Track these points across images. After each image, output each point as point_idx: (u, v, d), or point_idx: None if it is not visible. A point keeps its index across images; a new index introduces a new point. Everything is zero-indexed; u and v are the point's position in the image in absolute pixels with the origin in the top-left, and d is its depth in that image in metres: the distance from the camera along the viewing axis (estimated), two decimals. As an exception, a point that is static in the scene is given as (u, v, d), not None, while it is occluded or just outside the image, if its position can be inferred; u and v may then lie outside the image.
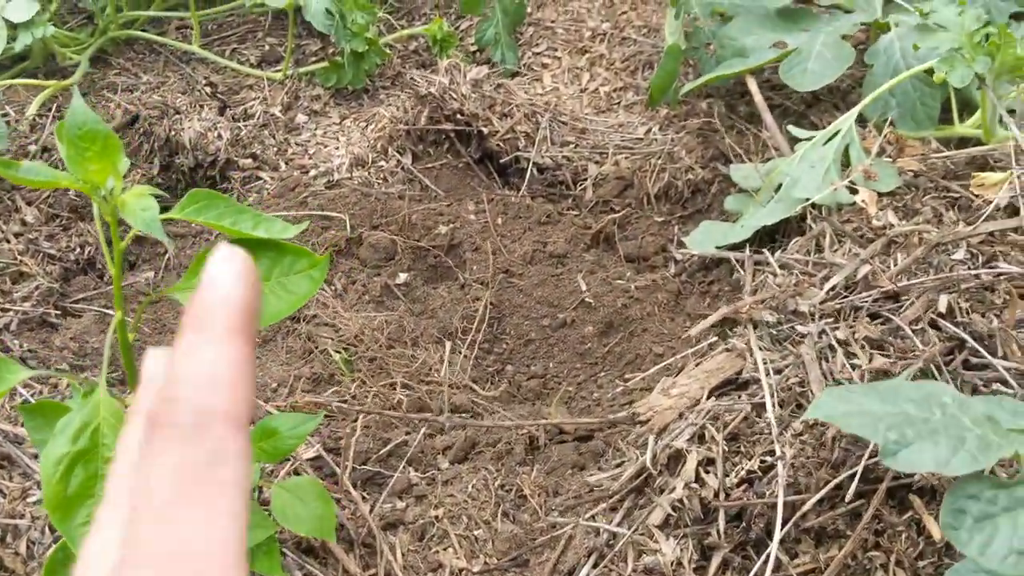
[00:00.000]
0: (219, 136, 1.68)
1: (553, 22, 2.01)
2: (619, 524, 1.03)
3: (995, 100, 1.29)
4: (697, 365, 1.19)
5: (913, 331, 1.07)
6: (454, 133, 1.68)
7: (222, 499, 0.31)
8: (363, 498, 1.13)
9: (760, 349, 1.14)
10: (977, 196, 1.27)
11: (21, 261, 1.46)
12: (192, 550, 0.30)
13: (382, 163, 1.68)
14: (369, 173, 1.66)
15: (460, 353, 1.37)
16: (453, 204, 1.60)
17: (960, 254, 1.16)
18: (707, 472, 1.01)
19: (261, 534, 0.87)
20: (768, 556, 0.93)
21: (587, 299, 1.43)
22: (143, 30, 1.99)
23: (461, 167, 1.68)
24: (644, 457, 1.07)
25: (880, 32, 1.56)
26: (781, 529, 0.93)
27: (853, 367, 1.05)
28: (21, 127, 1.70)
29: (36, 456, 1.12)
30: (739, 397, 1.10)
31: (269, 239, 0.79)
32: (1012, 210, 1.23)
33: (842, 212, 1.34)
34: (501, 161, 1.67)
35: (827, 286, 1.18)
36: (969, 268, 1.14)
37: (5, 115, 1.72)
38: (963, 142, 1.45)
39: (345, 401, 1.25)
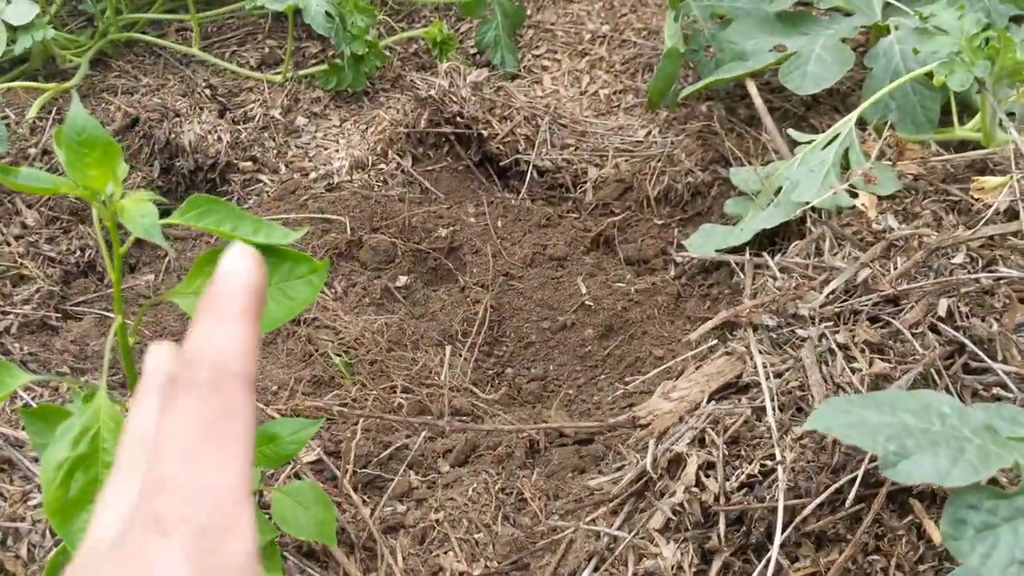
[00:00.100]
0: (219, 139, 1.68)
1: (553, 24, 2.01)
2: (619, 528, 1.03)
3: (995, 104, 1.29)
4: (697, 368, 1.19)
5: (913, 335, 1.07)
6: (454, 136, 1.68)
7: (236, 445, 0.36)
8: (364, 501, 1.13)
9: (760, 353, 1.14)
10: (977, 200, 1.27)
11: (21, 264, 1.46)
12: (210, 485, 0.35)
13: (382, 166, 1.68)
14: (369, 176, 1.66)
15: (460, 356, 1.37)
16: (453, 207, 1.60)
17: (960, 258, 1.16)
18: (707, 476, 1.01)
19: (262, 538, 0.87)
20: (769, 560, 0.93)
21: (587, 302, 1.43)
22: (143, 32, 1.99)
23: (461, 170, 1.68)
24: (644, 461, 1.07)
25: (880, 35, 1.56)
26: (781, 533, 0.93)
27: (853, 371, 1.05)
28: (21, 130, 1.70)
29: (37, 460, 1.12)
30: (739, 401, 1.10)
31: (269, 244, 0.79)
32: (1012, 214, 1.23)
33: (842, 216, 1.34)
34: (501, 164, 1.67)
35: (827, 290, 1.18)
36: (969, 272, 1.14)
37: (5, 118, 1.72)
38: (963, 145, 1.45)
39: (345, 404, 1.25)
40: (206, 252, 0.80)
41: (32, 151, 1.65)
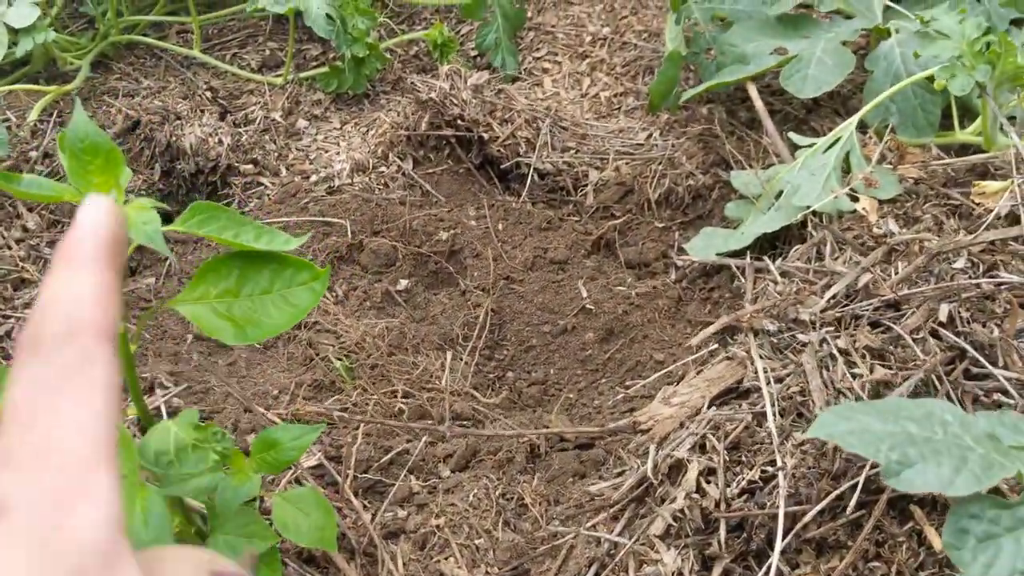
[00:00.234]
0: (220, 142, 1.68)
1: (553, 27, 2.01)
2: (620, 534, 1.04)
3: (995, 108, 1.29)
4: (698, 373, 1.19)
5: (914, 340, 1.07)
6: (455, 138, 1.68)
7: (91, 399, 0.32)
8: (364, 507, 1.13)
9: (761, 358, 1.14)
10: (978, 204, 1.27)
11: (22, 267, 1.46)
12: (54, 447, 0.31)
13: (383, 168, 1.68)
14: (370, 179, 1.66)
15: (461, 360, 1.37)
16: (454, 210, 1.60)
17: (961, 263, 1.16)
18: (708, 482, 1.01)
19: (262, 545, 0.87)
20: (769, 567, 0.93)
21: (588, 305, 1.43)
22: (144, 35, 1.99)
23: (462, 173, 1.68)
24: (645, 466, 1.07)
25: (880, 38, 1.56)
26: (782, 540, 0.93)
27: (854, 376, 1.05)
28: (22, 133, 1.70)
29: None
30: (740, 406, 1.10)
31: (271, 251, 0.79)
32: (1013, 219, 1.23)
33: (843, 219, 1.34)
34: (502, 167, 1.67)
35: (828, 294, 1.18)
36: (970, 277, 1.14)
37: (6, 121, 1.72)
38: (964, 149, 1.45)
39: (346, 409, 1.25)
40: (209, 260, 0.80)
41: (33, 154, 1.65)
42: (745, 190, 1.48)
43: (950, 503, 0.71)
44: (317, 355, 1.34)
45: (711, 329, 1.23)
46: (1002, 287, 1.11)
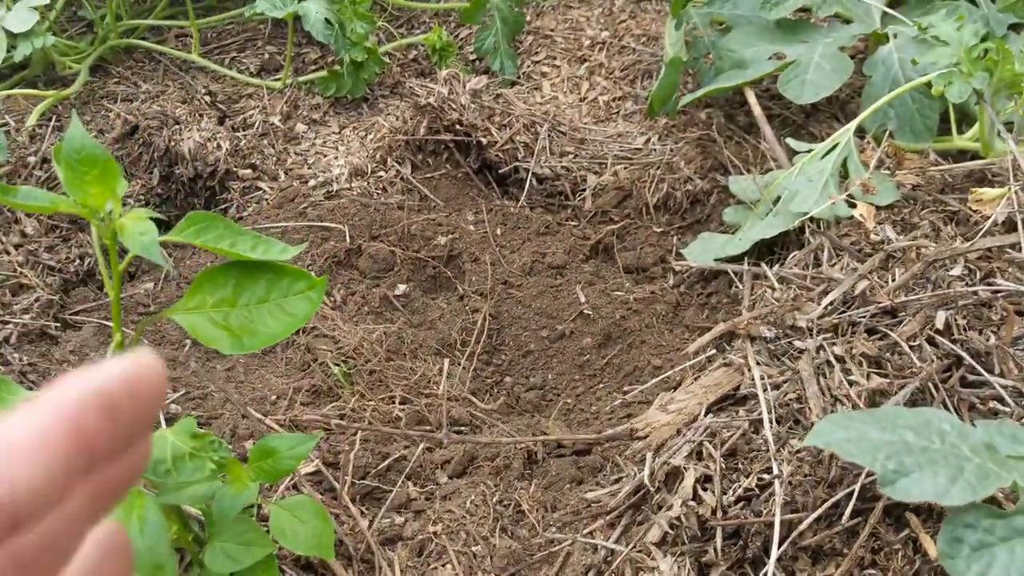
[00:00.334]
0: (218, 146, 1.68)
1: (552, 31, 2.01)
2: (617, 541, 1.04)
3: (993, 115, 1.30)
4: (695, 380, 1.19)
5: (910, 347, 1.07)
6: (453, 143, 1.68)
7: None
8: (362, 513, 1.13)
9: (758, 364, 1.14)
10: (975, 211, 1.27)
11: (21, 273, 1.47)
12: None
13: (381, 173, 1.68)
14: (368, 183, 1.66)
15: (459, 365, 1.37)
16: (452, 214, 1.61)
17: (958, 270, 1.16)
18: (704, 490, 1.01)
19: (259, 552, 0.87)
20: (765, 575, 0.93)
21: (586, 310, 1.44)
22: (143, 39, 1.99)
23: (460, 177, 1.68)
24: (642, 474, 1.07)
25: (878, 43, 1.56)
26: (778, 547, 0.93)
27: (851, 383, 1.05)
28: (21, 137, 1.70)
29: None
30: (737, 413, 1.10)
31: (268, 260, 0.80)
32: (1010, 226, 1.23)
33: (840, 226, 1.34)
34: (500, 171, 1.67)
35: (825, 301, 1.18)
36: (967, 284, 1.14)
37: (4, 125, 1.72)
38: (961, 154, 1.45)
39: (344, 415, 1.25)
40: (206, 270, 0.80)
41: (32, 159, 1.65)
42: (743, 195, 1.48)
43: (946, 512, 0.71)
44: (315, 360, 1.34)
45: (708, 336, 1.23)
46: (999, 294, 1.11)
